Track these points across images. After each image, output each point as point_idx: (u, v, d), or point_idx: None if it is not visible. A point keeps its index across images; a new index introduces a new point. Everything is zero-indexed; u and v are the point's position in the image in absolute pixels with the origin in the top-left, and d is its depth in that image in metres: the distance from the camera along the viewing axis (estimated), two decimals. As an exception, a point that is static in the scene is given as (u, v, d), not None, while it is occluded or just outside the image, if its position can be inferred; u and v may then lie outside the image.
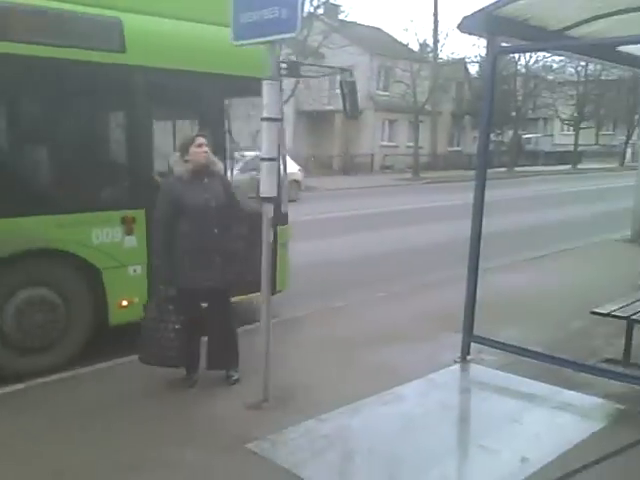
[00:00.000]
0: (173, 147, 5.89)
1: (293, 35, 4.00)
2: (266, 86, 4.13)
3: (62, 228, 4.86)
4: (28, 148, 5.14)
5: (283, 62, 6.06)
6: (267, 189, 4.20)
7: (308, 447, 3.83)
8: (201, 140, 4.48)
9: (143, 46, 5.24)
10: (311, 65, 7.59)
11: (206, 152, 4.49)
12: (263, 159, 4.17)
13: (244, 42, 4.29)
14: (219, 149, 5.45)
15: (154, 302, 4.50)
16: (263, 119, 4.14)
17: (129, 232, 5.24)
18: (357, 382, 4.82)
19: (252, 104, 5.94)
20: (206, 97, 5.87)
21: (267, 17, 4.04)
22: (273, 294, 5.83)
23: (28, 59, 4.69)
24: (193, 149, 4.46)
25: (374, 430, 4.06)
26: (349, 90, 6.43)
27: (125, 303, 5.26)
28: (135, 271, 5.34)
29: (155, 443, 3.88)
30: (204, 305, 4.73)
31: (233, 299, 5.21)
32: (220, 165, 4.65)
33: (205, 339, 4.76)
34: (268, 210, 4.23)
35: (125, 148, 5.52)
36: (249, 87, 5.14)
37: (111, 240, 5.16)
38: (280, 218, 5.95)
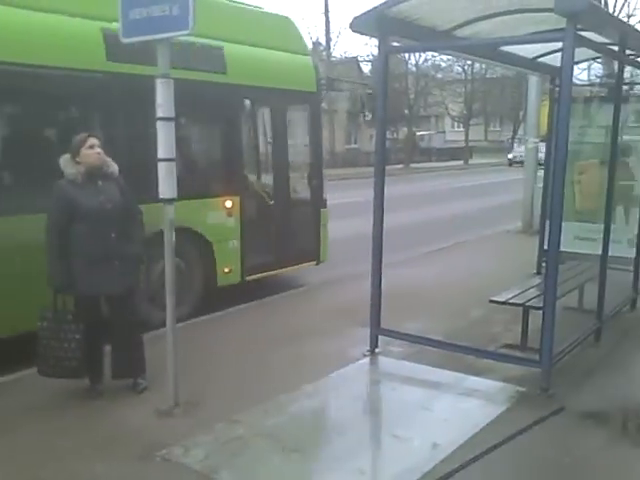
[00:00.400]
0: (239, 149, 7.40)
1: (186, 33, 3.89)
2: (160, 85, 3.99)
3: (188, 211, 6.03)
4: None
5: (322, 79, 8.20)
6: (166, 190, 4.07)
7: (222, 450, 3.76)
8: (93, 141, 4.28)
9: (237, 68, 6.80)
10: (341, 80, 9.69)
11: (99, 153, 4.30)
12: (160, 160, 4.04)
13: (133, 39, 4.14)
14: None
15: (51, 311, 4.27)
16: (158, 119, 4.01)
17: (229, 214, 6.85)
18: (268, 381, 4.78)
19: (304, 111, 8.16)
20: (277, 106, 7.74)
21: (157, 14, 3.91)
22: (317, 264, 8.11)
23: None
24: (85, 150, 4.25)
25: (288, 428, 4.04)
26: (368, 100, 9.12)
27: (227, 270, 6.86)
28: (233, 244, 6.89)
29: (62, 457, 3.69)
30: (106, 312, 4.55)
31: (286, 269, 7.62)
32: (115, 166, 4.44)
33: (109, 347, 4.57)
34: (169, 211, 4.10)
35: (229, 150, 7.13)
36: (304, 98, 7.78)
37: (218, 220, 6.72)
38: (322, 203, 8.11)
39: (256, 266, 7.23)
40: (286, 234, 7.73)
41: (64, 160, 4.32)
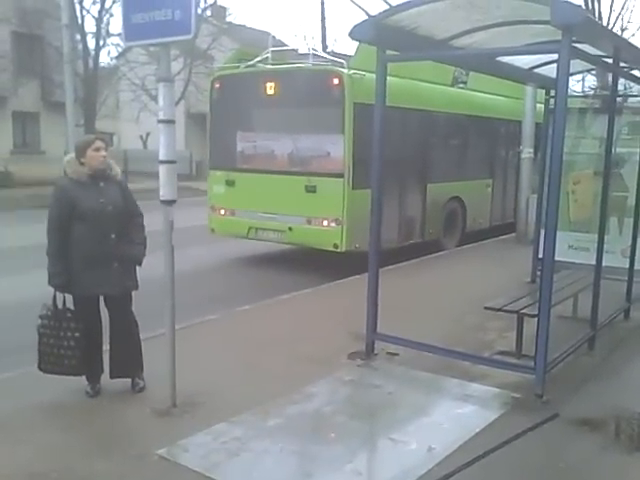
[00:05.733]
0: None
1: (188, 37, 3.91)
2: (162, 88, 4.02)
3: (457, 187, 11.33)
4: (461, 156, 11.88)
5: None
6: (167, 192, 4.07)
7: (220, 450, 3.77)
8: (99, 144, 4.31)
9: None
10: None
11: (104, 156, 4.33)
12: (162, 161, 4.04)
13: (134, 43, 4.18)
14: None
15: (51, 309, 4.29)
16: (160, 121, 4.02)
17: (487, 187, 12.48)
18: (266, 384, 4.79)
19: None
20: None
21: (159, 19, 3.94)
22: None
23: None
24: (91, 152, 4.28)
25: (286, 430, 4.05)
26: None
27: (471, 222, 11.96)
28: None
29: (61, 454, 3.70)
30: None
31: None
32: (117, 169, 4.48)
33: (107, 346, 4.59)
34: (169, 213, 4.11)
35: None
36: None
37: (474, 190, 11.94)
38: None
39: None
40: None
41: (68, 160, 4.36)
